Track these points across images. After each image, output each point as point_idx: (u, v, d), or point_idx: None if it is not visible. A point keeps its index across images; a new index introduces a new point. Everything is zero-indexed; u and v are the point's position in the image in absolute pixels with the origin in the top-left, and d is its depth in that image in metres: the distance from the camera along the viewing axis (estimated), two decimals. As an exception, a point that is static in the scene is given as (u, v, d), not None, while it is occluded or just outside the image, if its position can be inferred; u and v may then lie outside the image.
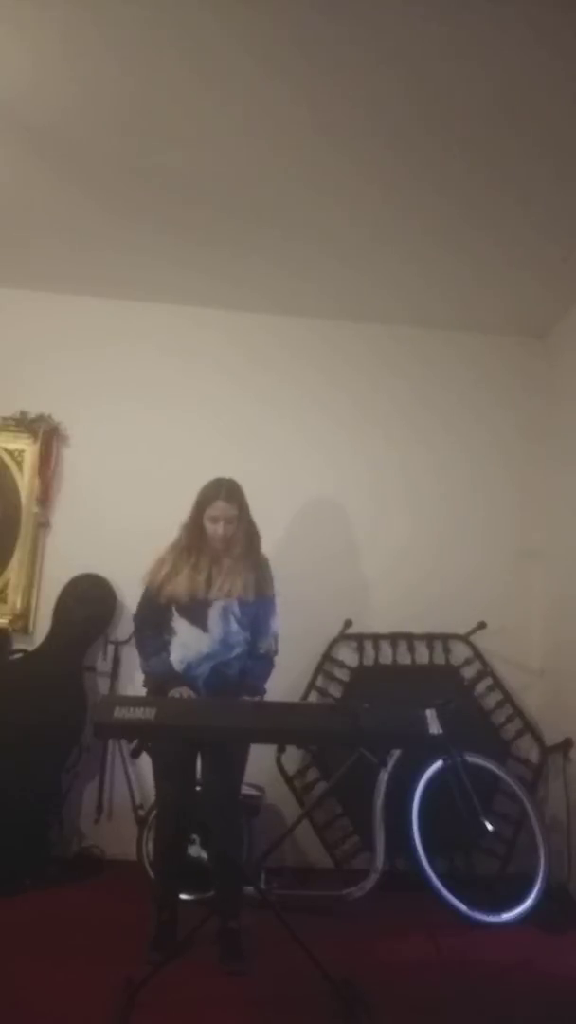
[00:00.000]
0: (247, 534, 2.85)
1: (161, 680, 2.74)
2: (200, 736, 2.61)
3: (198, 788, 2.82)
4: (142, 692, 2.87)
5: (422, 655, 3.88)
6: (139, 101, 2.69)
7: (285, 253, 3.62)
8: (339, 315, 4.18)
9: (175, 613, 2.79)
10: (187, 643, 2.75)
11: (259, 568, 2.86)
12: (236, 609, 2.78)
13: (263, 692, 2.82)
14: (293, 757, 3.62)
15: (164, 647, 2.78)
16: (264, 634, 2.85)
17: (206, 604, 2.76)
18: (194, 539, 2.82)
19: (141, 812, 3.45)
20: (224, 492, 2.80)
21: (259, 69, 2.51)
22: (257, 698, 2.74)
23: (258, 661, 2.84)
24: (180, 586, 2.76)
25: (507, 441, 4.20)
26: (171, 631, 2.79)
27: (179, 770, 2.72)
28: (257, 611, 2.84)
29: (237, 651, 2.77)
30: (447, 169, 2.94)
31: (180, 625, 2.78)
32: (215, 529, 2.79)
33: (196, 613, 2.76)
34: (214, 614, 2.76)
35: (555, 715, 3.76)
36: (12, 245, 3.70)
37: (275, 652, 2.89)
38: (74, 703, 3.57)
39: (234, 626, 2.77)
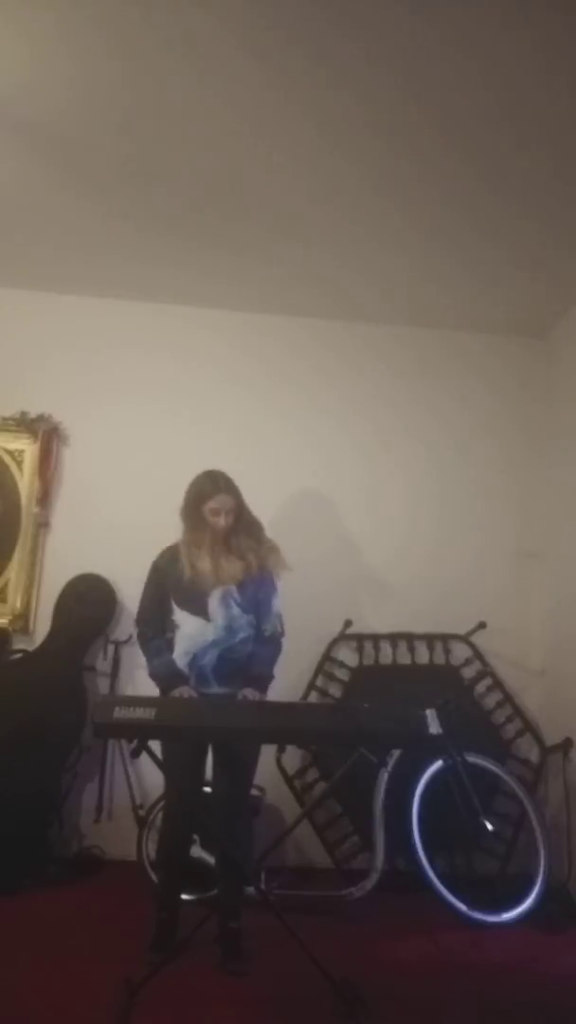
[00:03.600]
0: (248, 518, 2.89)
1: (165, 681, 2.75)
2: (200, 736, 2.62)
3: (206, 789, 2.82)
4: (142, 692, 2.88)
5: (422, 655, 3.88)
6: (138, 101, 2.69)
7: (285, 253, 3.62)
8: (339, 315, 4.18)
9: (175, 607, 2.80)
10: (191, 634, 2.76)
11: (266, 549, 2.89)
12: (236, 594, 2.79)
13: (271, 677, 2.82)
14: (293, 757, 3.62)
15: (167, 647, 2.79)
16: (267, 615, 2.85)
17: (205, 593, 2.77)
18: (199, 530, 2.84)
19: (141, 812, 3.45)
20: (222, 485, 2.84)
21: (259, 69, 2.51)
22: (261, 696, 2.73)
23: (265, 645, 2.83)
24: (203, 565, 2.76)
25: (507, 441, 4.20)
26: (173, 625, 2.80)
27: (186, 771, 2.71)
28: (257, 593, 2.84)
29: (242, 635, 2.77)
30: (447, 169, 2.94)
31: (181, 617, 2.79)
32: (216, 522, 2.81)
33: (197, 603, 2.77)
34: (214, 601, 2.77)
35: (555, 715, 3.76)
36: (12, 245, 3.70)
37: (282, 633, 2.89)
38: (74, 703, 3.57)
39: (236, 610, 2.78)
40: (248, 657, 2.79)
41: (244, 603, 2.80)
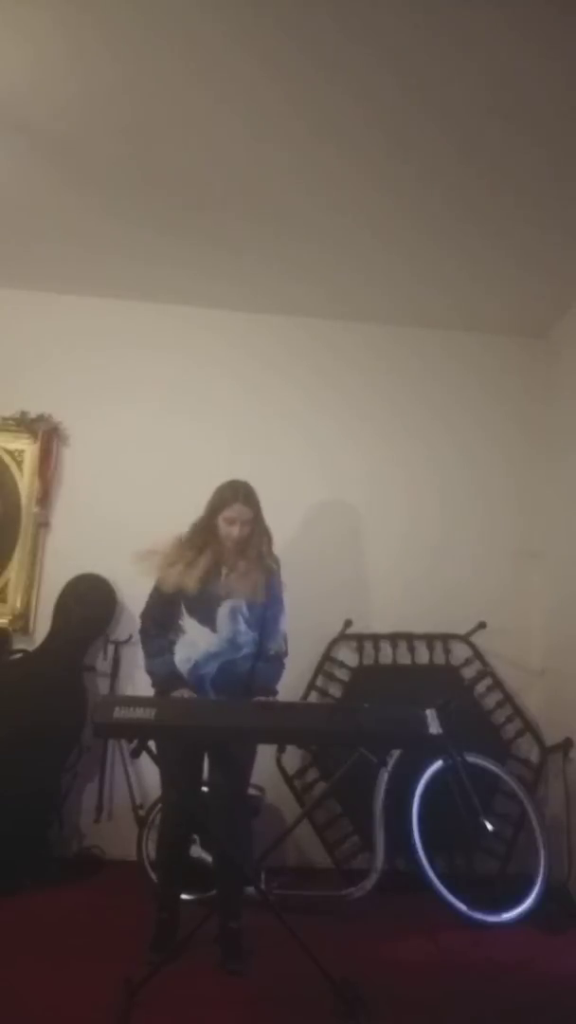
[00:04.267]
0: (261, 536, 2.86)
1: (162, 681, 2.75)
2: (200, 736, 2.61)
3: (204, 789, 2.82)
4: (142, 692, 2.87)
5: (422, 655, 3.88)
6: (139, 101, 2.69)
7: (285, 253, 3.62)
8: (339, 315, 4.18)
9: (184, 612, 2.79)
10: (195, 642, 2.75)
11: (271, 570, 2.87)
12: (245, 610, 2.78)
13: (275, 693, 2.80)
14: (293, 757, 3.62)
15: (168, 648, 2.78)
16: (274, 635, 2.85)
17: (215, 603, 2.76)
18: (206, 538, 2.82)
19: (141, 812, 3.45)
20: (241, 495, 2.82)
21: (259, 70, 2.51)
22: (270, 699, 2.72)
23: (269, 663, 2.82)
24: (191, 578, 2.75)
25: (507, 441, 4.20)
26: (179, 630, 2.79)
27: (184, 771, 2.71)
28: (266, 611, 2.83)
29: (245, 651, 2.77)
30: (447, 169, 2.94)
31: (188, 624, 2.78)
32: (230, 531, 2.80)
33: (205, 612, 2.76)
34: (223, 614, 2.76)
35: (555, 715, 3.76)
36: (13, 245, 3.70)
37: (285, 653, 2.88)
38: (74, 703, 3.57)
39: (243, 626, 2.77)
40: (249, 673, 2.78)
41: (252, 620, 2.79)
